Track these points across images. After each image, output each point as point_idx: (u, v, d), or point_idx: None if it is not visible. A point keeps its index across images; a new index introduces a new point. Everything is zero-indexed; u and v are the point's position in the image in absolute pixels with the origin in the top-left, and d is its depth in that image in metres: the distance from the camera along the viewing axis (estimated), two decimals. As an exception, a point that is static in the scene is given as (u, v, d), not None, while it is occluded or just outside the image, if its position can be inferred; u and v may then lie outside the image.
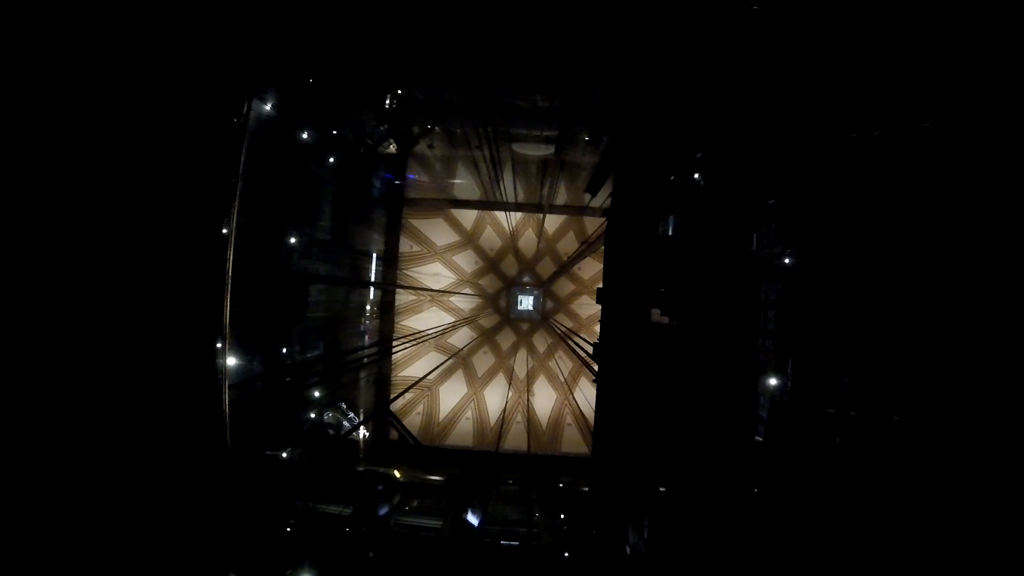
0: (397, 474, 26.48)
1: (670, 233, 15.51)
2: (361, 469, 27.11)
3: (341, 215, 29.60)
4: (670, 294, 14.09)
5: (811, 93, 16.35)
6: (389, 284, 41.42)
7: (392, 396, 27.54)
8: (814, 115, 16.58)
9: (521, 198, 45.02)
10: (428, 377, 45.43)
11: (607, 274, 14.66)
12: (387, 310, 41.24)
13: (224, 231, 19.79)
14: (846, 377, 15.97)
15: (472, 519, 31.42)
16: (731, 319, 13.90)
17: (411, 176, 25.24)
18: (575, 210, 41.96)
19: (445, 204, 43.48)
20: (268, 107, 22.47)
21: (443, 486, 27.72)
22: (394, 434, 39.26)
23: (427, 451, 32.41)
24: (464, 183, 44.09)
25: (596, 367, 16.60)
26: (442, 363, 36.99)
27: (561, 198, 44.79)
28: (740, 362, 14.29)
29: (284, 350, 24.47)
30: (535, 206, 41.04)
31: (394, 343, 31.08)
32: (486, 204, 40.83)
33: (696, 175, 16.40)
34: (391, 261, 42.73)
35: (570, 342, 45.99)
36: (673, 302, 14.05)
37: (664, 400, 14.03)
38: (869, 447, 15.04)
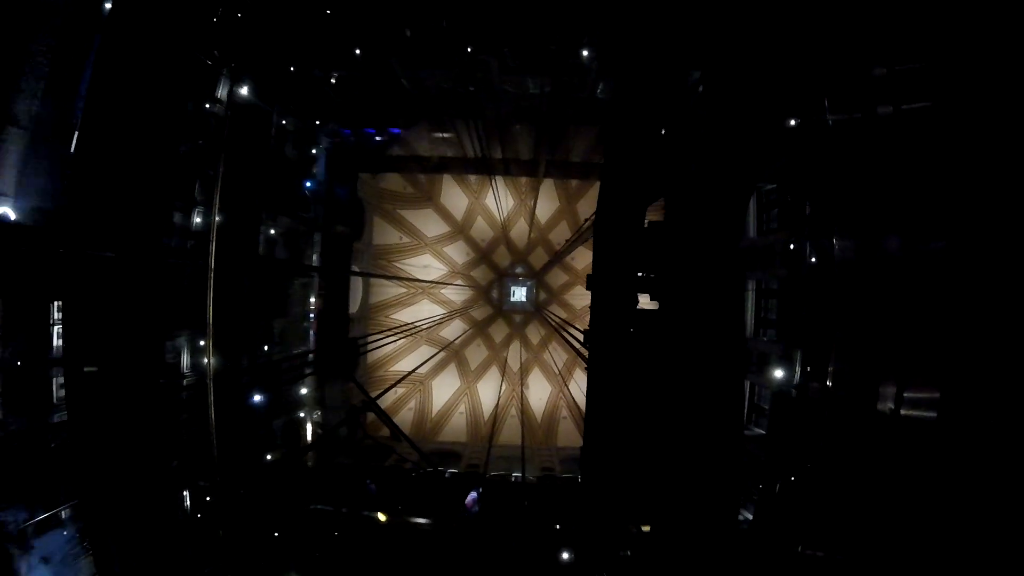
0: (382, 517, 25.16)
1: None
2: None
3: (320, 202, 28.30)
4: (658, 279, 13.92)
5: (794, 75, 15.69)
6: (379, 275, 40.33)
7: (383, 391, 26.46)
8: (798, 97, 15.99)
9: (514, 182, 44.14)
10: (419, 371, 44.53)
11: (596, 261, 14.50)
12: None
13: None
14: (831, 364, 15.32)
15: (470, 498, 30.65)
16: (718, 304, 13.54)
17: (395, 131, 23.61)
18: (577, 169, 39.73)
19: (432, 170, 41.76)
20: (245, 91, 21.34)
21: (431, 528, 26.38)
22: (384, 430, 38.22)
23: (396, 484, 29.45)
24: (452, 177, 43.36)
25: (587, 354, 15.94)
26: (431, 356, 36.01)
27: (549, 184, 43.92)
28: (727, 348, 13.86)
29: (265, 347, 23.38)
30: (531, 163, 38.65)
31: (379, 336, 29.97)
32: (474, 163, 38.22)
33: (686, 159, 15.97)
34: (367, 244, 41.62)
35: (564, 333, 45.11)
36: (662, 287, 13.83)
37: (654, 386, 13.75)
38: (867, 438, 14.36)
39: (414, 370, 32.44)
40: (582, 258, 45.33)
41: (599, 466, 15.26)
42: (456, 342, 47.47)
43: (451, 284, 46.50)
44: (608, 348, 13.87)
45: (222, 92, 21.18)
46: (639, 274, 13.78)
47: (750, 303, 24.71)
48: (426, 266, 46.41)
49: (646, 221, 14.43)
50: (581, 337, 18.83)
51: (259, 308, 22.59)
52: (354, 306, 38.27)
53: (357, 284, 39.37)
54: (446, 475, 33.41)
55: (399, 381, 27.11)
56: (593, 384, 14.58)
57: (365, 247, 39.45)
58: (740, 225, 22.11)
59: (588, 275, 14.54)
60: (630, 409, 13.84)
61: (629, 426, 13.98)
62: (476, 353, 50.27)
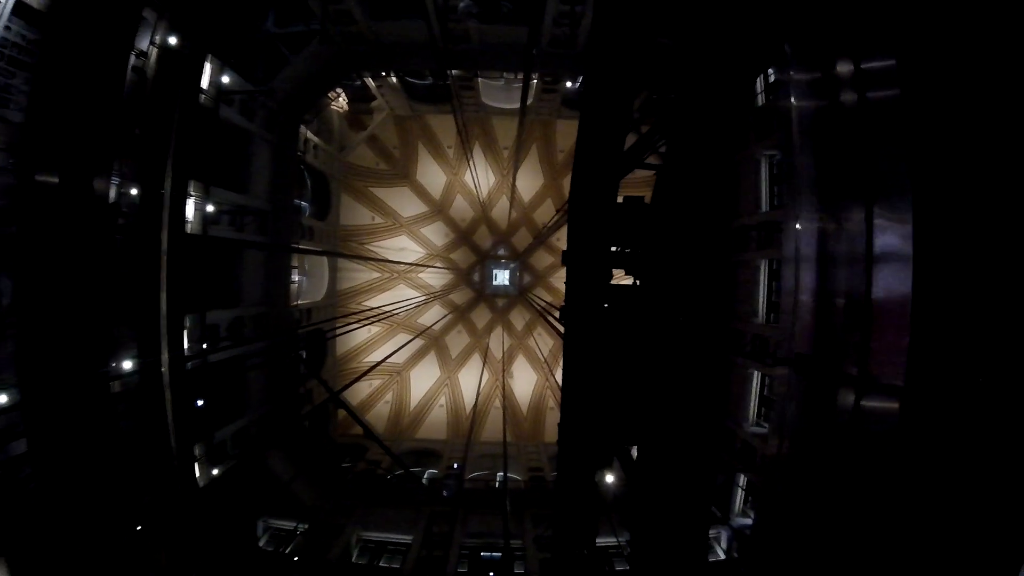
0: None
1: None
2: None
3: (275, 174, 24.76)
4: (633, 254, 13.66)
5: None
6: (350, 256, 36.92)
7: (346, 384, 23.30)
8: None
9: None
10: (396, 361, 41.43)
11: (571, 236, 13.75)
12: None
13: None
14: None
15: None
16: (700, 281, 13.52)
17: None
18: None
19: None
20: (173, 40, 17.88)
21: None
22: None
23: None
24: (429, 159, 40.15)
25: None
26: (406, 343, 32.71)
27: (533, 157, 40.75)
28: (706, 324, 13.72)
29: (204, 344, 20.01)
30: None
31: (346, 321, 26.74)
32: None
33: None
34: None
35: (548, 317, 42.28)
36: (636, 262, 13.64)
37: (629, 362, 13.60)
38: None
39: (385, 359, 29.05)
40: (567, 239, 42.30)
41: (575, 449, 14.54)
42: (435, 328, 44.38)
43: (426, 266, 43.26)
44: (583, 324, 13.47)
45: (145, 43, 17.71)
46: (613, 249, 13.40)
47: (761, 286, 22.13)
48: (402, 248, 43.19)
49: (620, 196, 13.65)
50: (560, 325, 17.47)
51: (196, 296, 19.25)
52: (319, 293, 34.90)
53: (323, 268, 35.94)
54: (423, 479, 30.50)
55: (366, 372, 23.92)
56: (569, 361, 13.87)
57: (331, 227, 35.95)
58: (722, 196, 20.75)
59: (563, 251, 13.81)
60: (607, 385, 13.47)
61: (607, 402, 13.65)
62: (457, 340, 47.36)
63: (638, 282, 13.72)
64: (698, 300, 13.26)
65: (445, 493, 25.86)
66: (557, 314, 22.08)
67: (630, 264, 13.62)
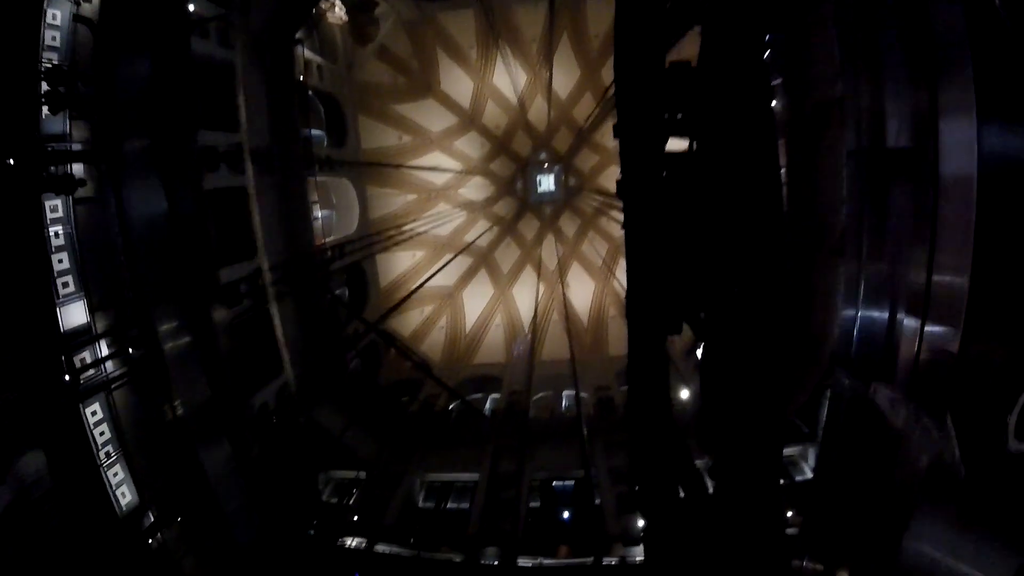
0: None
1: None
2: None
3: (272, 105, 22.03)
4: (686, 118, 12.31)
5: None
6: (358, 163, 33.85)
7: (385, 313, 21.39)
8: None
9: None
10: (446, 283, 39.46)
11: (620, 107, 12.71)
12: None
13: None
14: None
15: None
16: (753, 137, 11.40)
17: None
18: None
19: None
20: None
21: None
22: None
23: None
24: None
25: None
26: (446, 262, 30.37)
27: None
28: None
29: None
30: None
31: (380, 240, 24.44)
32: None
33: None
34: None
35: (604, 214, 39.57)
36: (692, 124, 12.26)
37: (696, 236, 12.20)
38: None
39: (427, 279, 26.46)
40: (612, 135, 38.44)
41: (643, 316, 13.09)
42: (483, 244, 42.01)
43: (442, 170, 40.17)
44: (642, 194, 12.71)
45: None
46: (665, 116, 12.39)
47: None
48: (436, 166, 40.39)
49: (667, 62, 12.48)
50: (620, 220, 15.79)
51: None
52: (351, 226, 32.81)
53: (350, 198, 33.62)
54: (484, 410, 29.09)
55: (408, 296, 22.03)
56: (631, 236, 13.05)
57: (352, 153, 33.33)
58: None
59: (614, 124, 12.86)
60: (670, 255, 12.52)
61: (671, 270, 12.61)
62: (507, 255, 44.99)
63: (695, 146, 12.17)
64: (763, 178, 11.08)
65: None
66: (611, 212, 19.60)
67: (683, 127, 12.44)
